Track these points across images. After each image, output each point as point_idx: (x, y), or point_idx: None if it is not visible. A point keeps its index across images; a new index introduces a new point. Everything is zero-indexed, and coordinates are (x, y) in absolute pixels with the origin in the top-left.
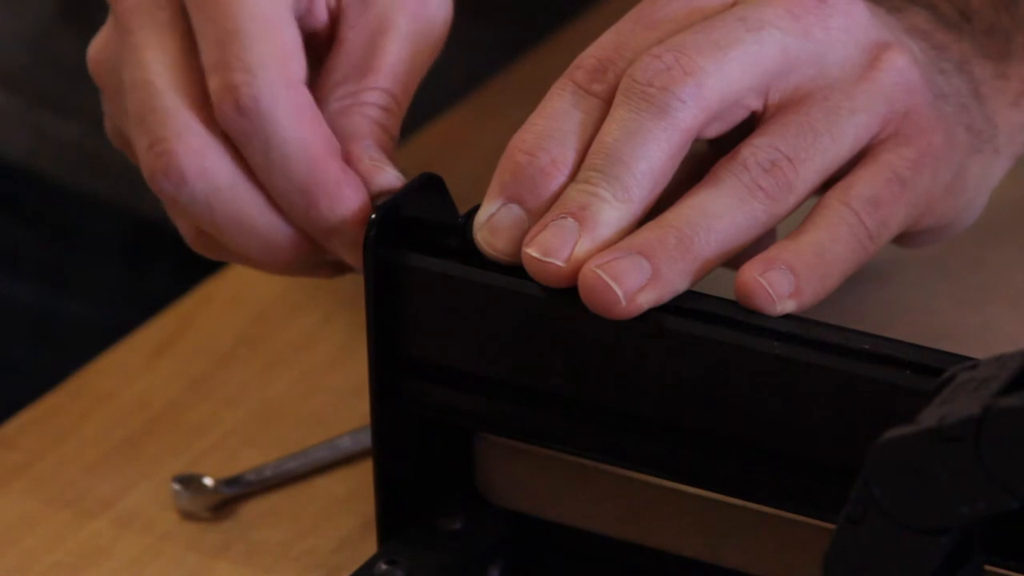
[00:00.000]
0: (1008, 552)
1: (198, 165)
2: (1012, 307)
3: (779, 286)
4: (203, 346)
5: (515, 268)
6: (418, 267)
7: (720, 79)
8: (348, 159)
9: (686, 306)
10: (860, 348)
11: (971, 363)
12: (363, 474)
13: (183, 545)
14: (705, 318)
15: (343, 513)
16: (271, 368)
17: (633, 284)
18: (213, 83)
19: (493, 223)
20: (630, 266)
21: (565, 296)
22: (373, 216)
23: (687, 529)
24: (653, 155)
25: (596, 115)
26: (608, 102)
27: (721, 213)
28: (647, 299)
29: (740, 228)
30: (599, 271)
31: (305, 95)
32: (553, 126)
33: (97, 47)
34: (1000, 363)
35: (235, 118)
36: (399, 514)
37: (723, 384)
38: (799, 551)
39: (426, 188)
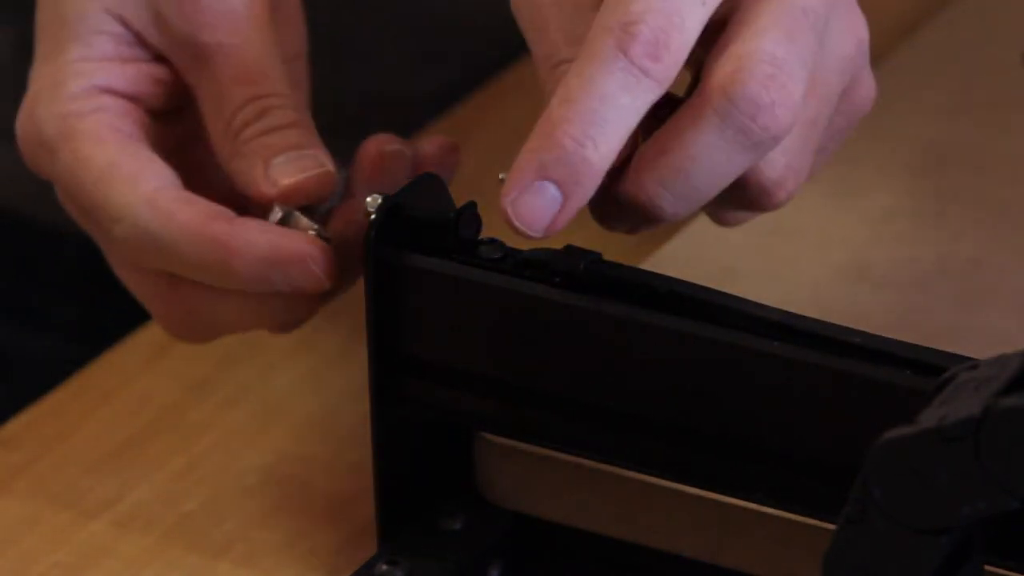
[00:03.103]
0: (1008, 552)
1: None
2: (1012, 308)
3: None
4: (203, 347)
5: (515, 268)
6: (418, 267)
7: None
8: (258, 194)
9: (686, 304)
10: (860, 348)
11: (971, 363)
12: (363, 474)
13: (183, 545)
14: (705, 317)
15: (343, 513)
16: (271, 368)
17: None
18: (106, 245)
19: (525, 201)
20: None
21: (565, 296)
22: (373, 216)
23: (687, 529)
24: (728, 180)
25: (650, 103)
26: (664, 86)
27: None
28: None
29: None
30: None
31: (168, 194)
32: (601, 113)
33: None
34: (1000, 363)
35: (146, 259)
36: (399, 514)
37: (723, 384)
38: (799, 551)
39: (426, 188)
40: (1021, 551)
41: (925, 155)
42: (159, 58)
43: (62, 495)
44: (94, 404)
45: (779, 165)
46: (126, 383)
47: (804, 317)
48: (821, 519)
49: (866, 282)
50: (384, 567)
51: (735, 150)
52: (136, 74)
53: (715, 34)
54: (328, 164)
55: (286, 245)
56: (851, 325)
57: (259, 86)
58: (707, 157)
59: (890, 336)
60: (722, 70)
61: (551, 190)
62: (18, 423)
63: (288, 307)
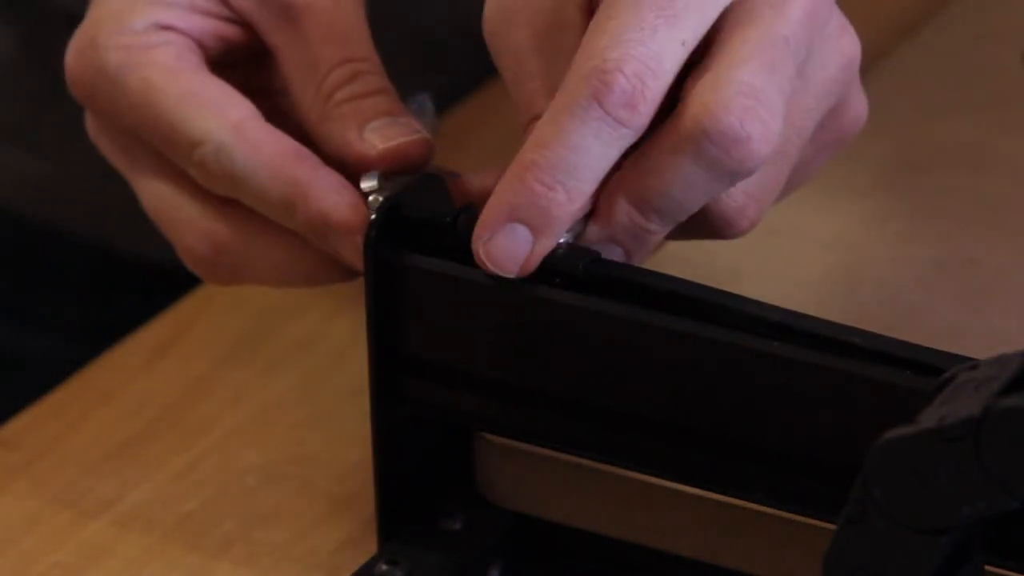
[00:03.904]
0: (1008, 552)
1: None
2: (1012, 308)
3: None
4: (203, 346)
5: None
6: (418, 267)
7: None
8: (356, 156)
9: (686, 304)
10: (860, 348)
11: (971, 363)
12: (363, 474)
13: (183, 545)
14: (705, 317)
15: (343, 513)
16: (271, 369)
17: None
18: (188, 171)
19: (496, 242)
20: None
21: (565, 296)
22: (373, 216)
23: (686, 529)
24: (703, 202)
25: (624, 148)
26: (639, 132)
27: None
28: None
29: None
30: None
31: (255, 124)
32: (573, 160)
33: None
34: (1000, 363)
35: (218, 183)
36: (399, 514)
37: (723, 384)
38: (799, 551)
39: (426, 188)
40: (1021, 551)
41: (924, 155)
42: (233, 20)
43: (62, 495)
44: (94, 404)
45: (739, 195)
46: (126, 383)
47: (804, 317)
48: (821, 519)
49: (866, 282)
50: (384, 567)
51: (710, 179)
52: (203, 25)
53: (698, 56)
54: (423, 131)
55: (351, 214)
56: (851, 325)
57: (350, 49)
58: (682, 184)
59: (890, 336)
60: (699, 100)
61: (521, 231)
62: (18, 423)
63: (322, 269)
